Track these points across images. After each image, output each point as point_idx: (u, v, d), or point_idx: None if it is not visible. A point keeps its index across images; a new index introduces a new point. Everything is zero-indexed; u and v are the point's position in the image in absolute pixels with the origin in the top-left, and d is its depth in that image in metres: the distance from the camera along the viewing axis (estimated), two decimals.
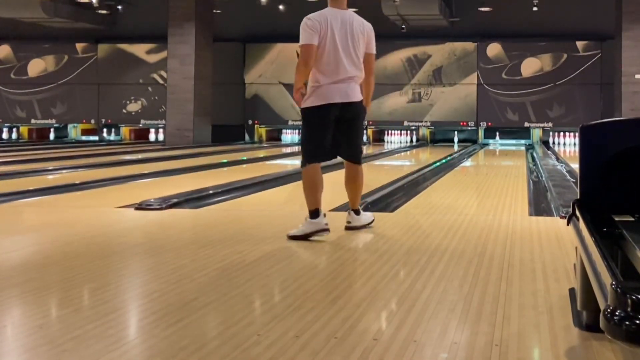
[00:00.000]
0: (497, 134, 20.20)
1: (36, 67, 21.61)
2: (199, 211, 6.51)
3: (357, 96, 5.16)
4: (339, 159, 5.42)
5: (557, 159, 14.32)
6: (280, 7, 18.58)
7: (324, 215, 5.02)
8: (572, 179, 9.24)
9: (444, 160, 13.72)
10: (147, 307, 3.33)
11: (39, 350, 2.68)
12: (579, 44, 19.43)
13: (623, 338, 1.77)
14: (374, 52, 5.36)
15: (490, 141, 20.23)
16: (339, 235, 5.23)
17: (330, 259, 4.32)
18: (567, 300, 3.34)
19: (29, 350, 2.70)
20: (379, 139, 20.43)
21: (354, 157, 5.30)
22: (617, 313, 1.78)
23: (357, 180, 5.32)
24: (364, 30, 5.30)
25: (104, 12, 20.25)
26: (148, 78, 21.07)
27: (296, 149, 18.40)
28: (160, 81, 20.64)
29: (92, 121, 21.36)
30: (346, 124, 5.17)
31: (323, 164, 5.19)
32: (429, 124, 20.19)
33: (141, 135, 21.55)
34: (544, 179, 9.84)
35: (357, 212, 5.35)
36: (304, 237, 4.89)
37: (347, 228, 5.29)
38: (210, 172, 10.69)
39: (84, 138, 21.58)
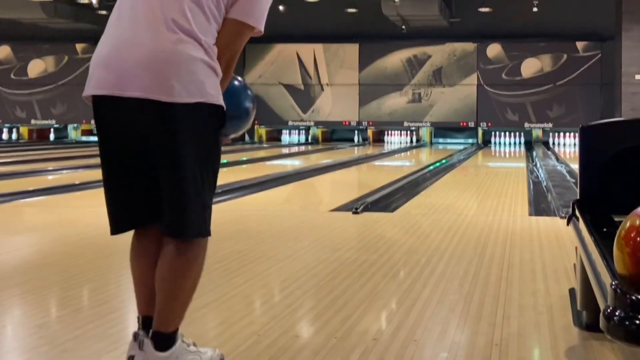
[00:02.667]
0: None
1: (36, 67, 21.62)
2: None
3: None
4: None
5: (557, 159, 14.32)
6: (280, 7, 18.58)
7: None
8: (572, 179, 9.24)
9: (444, 161, 13.73)
10: None
11: (39, 350, 2.68)
12: (579, 44, 19.43)
13: (623, 338, 1.77)
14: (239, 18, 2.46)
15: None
16: (338, 235, 5.24)
17: (330, 259, 4.32)
18: (567, 300, 3.34)
19: (29, 350, 2.70)
20: (379, 139, 20.43)
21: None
22: (617, 313, 1.78)
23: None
24: None
25: (104, 12, 20.24)
26: None
27: (296, 149, 18.41)
28: None
29: (92, 122, 21.35)
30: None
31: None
32: (428, 124, 20.19)
33: None
34: (541, 179, 9.84)
35: (160, 342, 2.36)
36: None
37: None
38: None
39: (84, 138, 21.57)
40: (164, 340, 2.33)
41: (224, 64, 2.39)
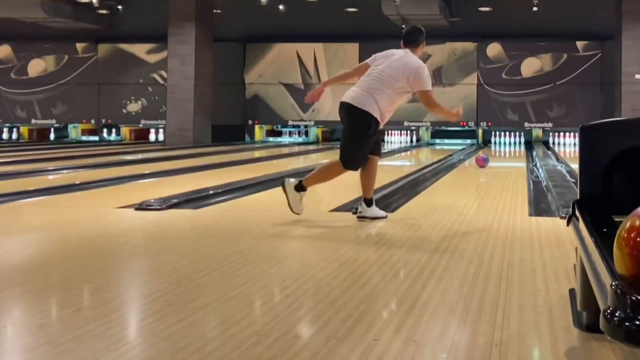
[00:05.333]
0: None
1: (36, 67, 21.60)
2: (199, 211, 6.51)
3: (354, 99, 5.84)
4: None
5: (557, 159, 14.32)
6: (280, 7, 18.57)
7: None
8: (572, 179, 9.24)
9: (444, 161, 13.73)
10: (147, 307, 3.33)
11: (40, 350, 2.68)
12: (579, 44, 19.42)
13: (623, 339, 1.77)
14: (422, 88, 5.99)
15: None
16: (338, 235, 5.23)
17: (330, 259, 4.32)
18: (567, 301, 3.34)
19: (30, 350, 2.70)
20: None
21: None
22: (616, 314, 1.78)
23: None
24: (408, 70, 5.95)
25: (104, 12, 20.24)
26: (148, 78, 21.06)
27: (296, 149, 18.43)
28: (160, 81, 20.64)
29: (92, 121, 21.35)
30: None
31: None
32: (429, 124, 20.19)
33: (141, 135, 21.54)
34: (541, 179, 9.83)
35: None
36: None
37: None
38: (210, 172, 10.70)
39: (84, 138, 21.57)
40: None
41: (431, 106, 6.17)
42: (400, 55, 5.99)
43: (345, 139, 5.86)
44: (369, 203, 5.82)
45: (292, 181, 5.77)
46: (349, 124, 5.83)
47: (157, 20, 19.13)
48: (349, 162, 5.74)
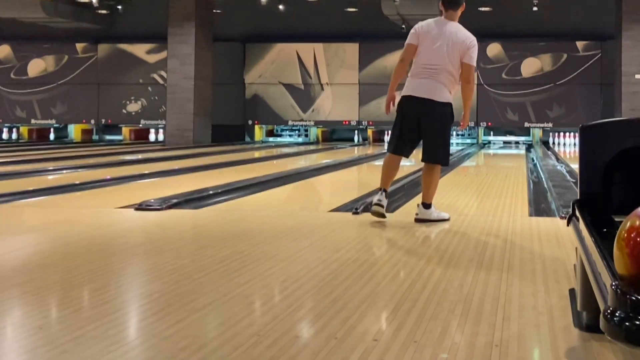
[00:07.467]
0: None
1: (36, 67, 21.60)
2: (199, 211, 6.51)
3: (435, 95, 5.67)
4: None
5: (557, 159, 14.31)
6: (280, 7, 18.57)
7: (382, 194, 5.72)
8: (572, 179, 9.24)
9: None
10: (147, 307, 3.33)
11: (39, 351, 2.68)
12: (579, 44, 19.42)
13: (623, 339, 1.77)
14: (469, 62, 5.75)
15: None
16: (339, 236, 5.23)
17: (331, 259, 4.32)
18: (567, 301, 3.34)
19: (29, 351, 2.70)
20: (379, 139, 20.42)
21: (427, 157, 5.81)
22: (616, 314, 1.78)
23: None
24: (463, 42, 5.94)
25: (104, 12, 20.24)
26: (148, 78, 21.06)
27: (297, 148, 18.43)
28: (160, 81, 20.63)
29: (92, 121, 21.35)
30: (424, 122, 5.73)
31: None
32: None
33: (141, 135, 21.54)
34: (543, 179, 9.83)
35: (425, 206, 5.72)
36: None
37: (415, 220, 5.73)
38: (210, 172, 10.70)
39: (84, 138, 21.57)
40: (427, 206, 5.67)
41: (469, 83, 5.74)
42: (449, 35, 5.97)
43: (435, 138, 5.72)
44: (386, 194, 5.80)
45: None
46: (433, 120, 5.69)
47: (157, 20, 19.13)
48: (446, 157, 5.79)
